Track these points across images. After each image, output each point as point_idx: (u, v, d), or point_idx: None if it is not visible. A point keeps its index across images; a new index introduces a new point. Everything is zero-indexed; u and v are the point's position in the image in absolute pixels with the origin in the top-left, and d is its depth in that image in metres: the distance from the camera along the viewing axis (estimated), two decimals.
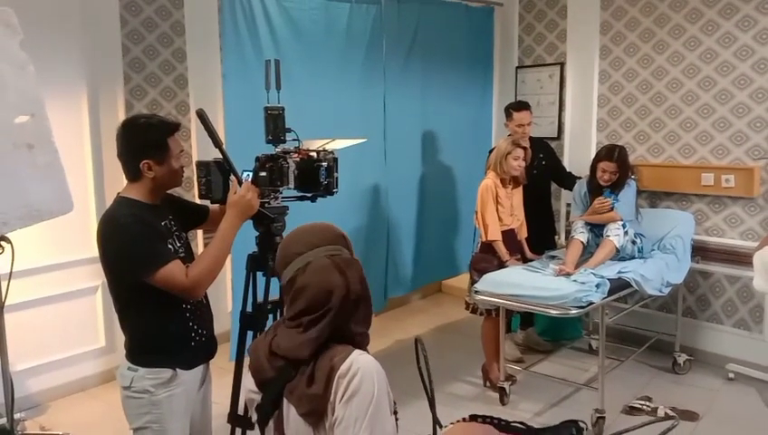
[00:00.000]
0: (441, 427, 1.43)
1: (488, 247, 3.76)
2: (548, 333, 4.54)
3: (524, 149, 3.73)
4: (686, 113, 4.16)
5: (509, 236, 3.79)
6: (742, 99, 3.92)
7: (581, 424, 1.35)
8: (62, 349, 3.81)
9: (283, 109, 2.28)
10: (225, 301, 4.14)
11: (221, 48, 3.37)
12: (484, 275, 3.52)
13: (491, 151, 3.93)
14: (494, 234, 3.71)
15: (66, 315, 3.81)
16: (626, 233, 3.65)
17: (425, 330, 4.98)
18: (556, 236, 4.58)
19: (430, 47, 4.50)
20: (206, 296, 2.18)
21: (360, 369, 1.28)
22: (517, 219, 3.86)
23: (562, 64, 4.77)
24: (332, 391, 1.27)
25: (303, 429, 1.32)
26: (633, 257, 3.73)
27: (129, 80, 3.97)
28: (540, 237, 4.14)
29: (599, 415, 3.31)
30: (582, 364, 4.23)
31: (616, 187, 3.75)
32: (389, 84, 4.22)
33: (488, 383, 3.86)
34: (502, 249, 3.71)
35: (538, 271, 3.58)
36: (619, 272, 3.47)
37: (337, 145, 2.36)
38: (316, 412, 1.29)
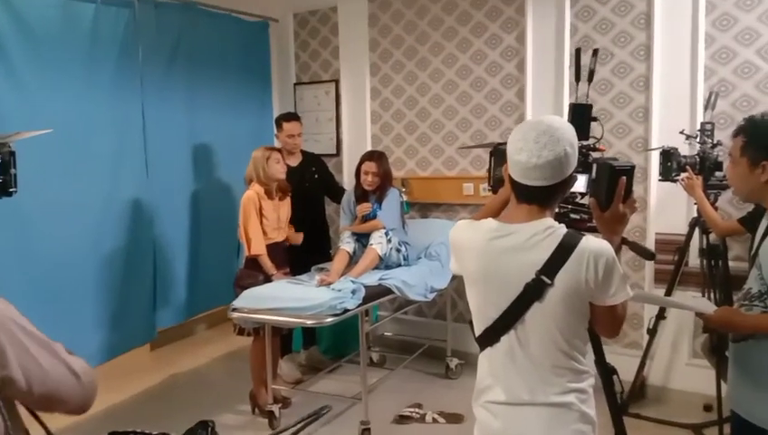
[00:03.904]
0: None
1: (253, 263, 3.59)
2: (332, 350, 4.44)
3: (279, 151, 3.68)
4: (448, 127, 4.35)
5: (275, 249, 3.65)
6: (494, 112, 4.18)
7: (209, 423, 1.24)
8: None
9: None
10: None
11: None
12: (244, 292, 3.33)
13: None
14: (258, 248, 3.55)
15: None
16: (389, 241, 3.67)
17: (206, 360, 4.65)
18: (332, 251, 4.52)
19: (197, 58, 4.28)
20: None
21: None
22: (284, 232, 3.75)
23: (337, 81, 4.79)
24: None
25: None
26: (399, 265, 3.75)
27: None
28: (313, 250, 4.06)
29: (363, 427, 3.24)
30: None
31: (379, 192, 3.77)
32: (149, 94, 3.91)
33: (257, 410, 3.62)
34: (267, 263, 3.56)
35: (302, 283, 3.46)
36: (380, 279, 3.46)
37: (18, 137, 2.03)
38: None
